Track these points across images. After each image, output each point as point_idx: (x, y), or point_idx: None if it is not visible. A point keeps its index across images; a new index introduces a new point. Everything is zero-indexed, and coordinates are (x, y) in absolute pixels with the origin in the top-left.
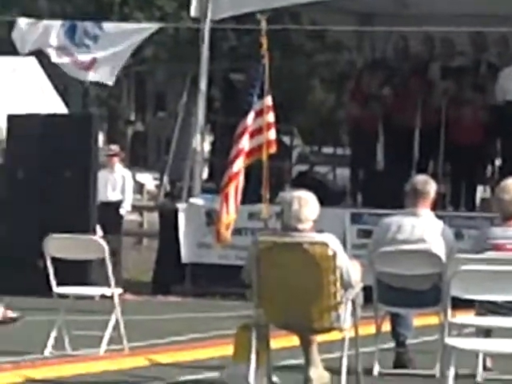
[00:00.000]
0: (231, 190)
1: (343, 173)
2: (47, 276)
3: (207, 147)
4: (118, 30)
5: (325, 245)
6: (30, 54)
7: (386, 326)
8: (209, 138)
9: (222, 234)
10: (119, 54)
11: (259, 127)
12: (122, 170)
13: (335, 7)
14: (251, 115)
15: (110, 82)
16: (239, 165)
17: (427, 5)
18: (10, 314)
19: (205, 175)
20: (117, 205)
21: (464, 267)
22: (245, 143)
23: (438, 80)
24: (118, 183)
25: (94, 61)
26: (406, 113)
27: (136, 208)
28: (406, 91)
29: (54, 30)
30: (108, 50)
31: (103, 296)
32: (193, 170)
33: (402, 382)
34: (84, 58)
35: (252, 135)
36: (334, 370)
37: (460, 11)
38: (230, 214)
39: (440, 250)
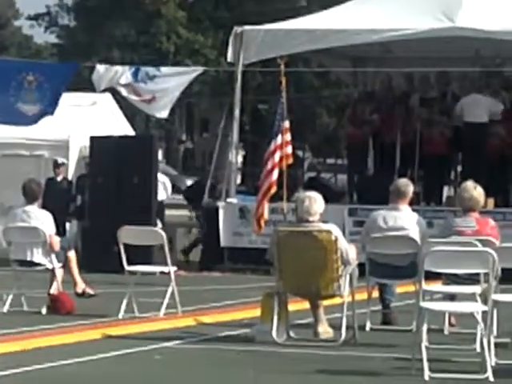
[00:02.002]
0: (270, 193)
1: (342, 178)
2: (120, 258)
3: (240, 159)
4: (172, 72)
5: (329, 232)
6: (106, 90)
7: (376, 293)
8: (241, 153)
9: (262, 226)
10: (173, 91)
11: (280, 144)
12: (163, 177)
13: (336, 53)
14: (279, 136)
15: (165, 115)
16: (276, 174)
17: (406, 50)
18: (89, 290)
19: (238, 181)
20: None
21: (434, 248)
22: (277, 157)
23: (415, 107)
24: (160, 187)
25: (153, 97)
26: (390, 132)
27: (186, 206)
28: (390, 116)
29: (123, 72)
30: (164, 88)
31: (162, 272)
32: (229, 177)
33: (388, 335)
34: (146, 94)
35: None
36: (336, 327)
37: (431, 55)
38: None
39: (416, 235)
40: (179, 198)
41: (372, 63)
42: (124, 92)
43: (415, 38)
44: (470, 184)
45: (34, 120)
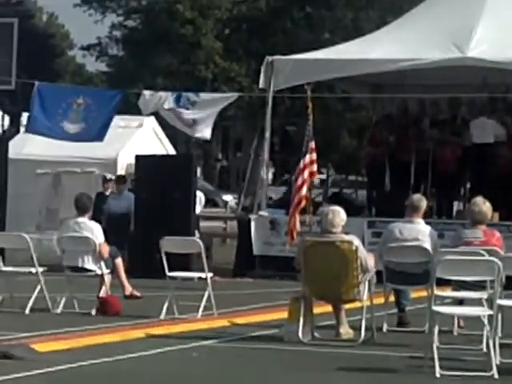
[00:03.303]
0: (300, 207)
1: (362, 193)
2: (162, 264)
3: (270, 176)
4: (210, 98)
5: (350, 242)
6: (151, 114)
7: (392, 298)
8: (271, 170)
9: (294, 237)
10: (212, 115)
11: (309, 162)
12: (198, 193)
13: (357, 80)
14: (307, 156)
15: (208, 137)
16: (305, 190)
17: (420, 78)
18: (136, 292)
19: (268, 195)
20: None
21: (445, 257)
22: (306, 174)
23: (428, 129)
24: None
25: (194, 121)
26: (405, 152)
27: (222, 218)
28: (405, 137)
29: (166, 98)
30: (204, 113)
31: (200, 278)
32: (260, 192)
33: (403, 336)
34: (188, 118)
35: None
36: (356, 328)
37: (442, 82)
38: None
39: (428, 245)
40: (216, 211)
41: (389, 89)
42: (168, 116)
43: (428, 67)
44: (479, 199)
45: (74, 138)
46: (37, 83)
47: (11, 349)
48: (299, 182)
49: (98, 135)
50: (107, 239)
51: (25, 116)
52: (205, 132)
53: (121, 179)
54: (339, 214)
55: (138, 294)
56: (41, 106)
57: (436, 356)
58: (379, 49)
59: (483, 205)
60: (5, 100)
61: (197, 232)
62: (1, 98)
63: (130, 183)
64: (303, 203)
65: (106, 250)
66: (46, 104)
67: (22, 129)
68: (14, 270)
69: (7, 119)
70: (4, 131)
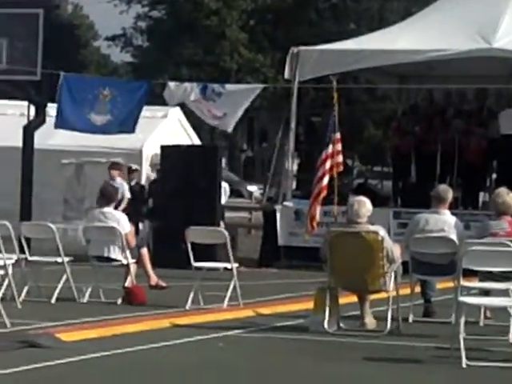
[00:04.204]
0: (321, 197)
1: (388, 184)
2: (188, 255)
3: (295, 167)
4: (236, 89)
5: (376, 233)
6: (176, 105)
7: (418, 289)
8: (296, 161)
9: (314, 227)
10: (240, 108)
11: (331, 153)
12: (223, 183)
13: (382, 71)
14: (330, 146)
15: (229, 130)
16: (326, 180)
17: (446, 68)
18: (161, 282)
19: (293, 186)
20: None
21: (471, 248)
22: (328, 165)
23: (453, 120)
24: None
25: (224, 114)
26: (431, 142)
27: (247, 208)
28: (431, 128)
29: (192, 89)
30: (230, 105)
31: (225, 268)
32: (286, 183)
33: (429, 326)
34: (213, 109)
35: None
36: (381, 318)
37: (468, 73)
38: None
39: (454, 236)
40: (241, 202)
41: (415, 80)
42: (194, 108)
43: (455, 58)
44: (503, 190)
45: (101, 129)
46: (62, 74)
47: (37, 338)
48: (320, 172)
49: (127, 126)
50: None
51: (50, 106)
52: (229, 124)
53: (114, 165)
54: (365, 205)
55: (164, 284)
56: (68, 98)
57: (462, 347)
58: (405, 39)
59: (507, 196)
60: (30, 90)
61: (222, 222)
62: (26, 88)
63: (155, 173)
64: (324, 193)
65: (132, 239)
66: (72, 96)
67: (48, 119)
68: (40, 260)
69: (33, 110)
70: (30, 122)
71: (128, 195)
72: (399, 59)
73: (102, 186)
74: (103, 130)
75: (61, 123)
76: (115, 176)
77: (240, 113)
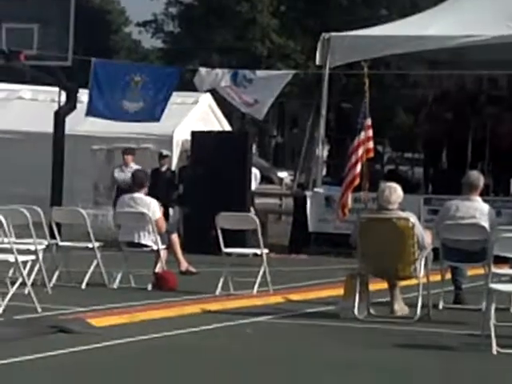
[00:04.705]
0: (354, 185)
1: (419, 170)
2: (218, 240)
3: (325, 153)
4: (267, 75)
5: (407, 219)
6: (206, 90)
7: (448, 275)
8: (327, 147)
9: (346, 214)
10: (271, 95)
11: (363, 140)
12: (254, 169)
13: (414, 57)
14: (362, 133)
15: (261, 118)
16: (359, 167)
17: (477, 54)
18: (191, 268)
19: (324, 172)
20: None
21: (502, 235)
22: (360, 152)
23: (485, 106)
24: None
25: (255, 100)
26: (462, 129)
27: (277, 195)
28: (462, 114)
29: (223, 75)
30: (261, 91)
31: (255, 254)
32: (316, 169)
33: (459, 313)
34: (244, 96)
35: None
36: (411, 305)
37: (500, 58)
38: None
39: (485, 223)
40: (271, 188)
41: (446, 66)
42: (225, 94)
43: (486, 43)
44: None
45: (134, 117)
46: (94, 60)
47: (68, 323)
48: (353, 159)
49: (156, 114)
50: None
51: (81, 92)
52: (261, 112)
53: (127, 150)
54: (396, 191)
55: (194, 269)
56: (99, 85)
57: (493, 333)
58: (436, 25)
59: None
60: (61, 76)
61: (252, 209)
62: (57, 74)
63: (186, 159)
64: (357, 181)
65: (163, 225)
66: (104, 82)
67: (79, 105)
68: (70, 245)
69: (64, 95)
70: (60, 107)
71: None
72: (431, 45)
73: (133, 172)
74: (135, 117)
75: (92, 111)
76: (129, 161)
77: (272, 100)
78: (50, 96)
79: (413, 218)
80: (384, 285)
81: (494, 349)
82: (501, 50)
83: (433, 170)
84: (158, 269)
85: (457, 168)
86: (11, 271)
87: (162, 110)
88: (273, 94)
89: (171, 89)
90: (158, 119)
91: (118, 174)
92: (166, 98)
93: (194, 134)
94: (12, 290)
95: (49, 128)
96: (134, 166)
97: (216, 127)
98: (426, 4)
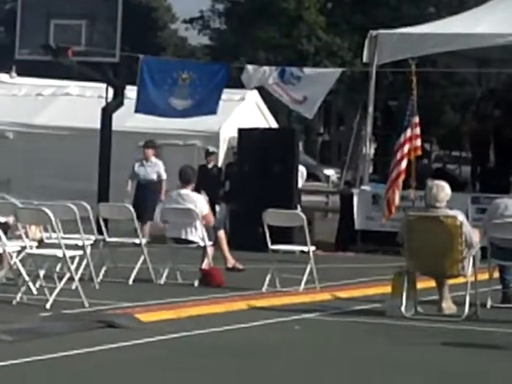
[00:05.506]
0: (400, 181)
1: (466, 169)
2: (264, 237)
3: (372, 151)
4: (314, 73)
5: (454, 217)
6: (253, 88)
7: (496, 274)
8: (373, 145)
9: (392, 212)
10: (321, 93)
11: (410, 137)
12: (300, 167)
13: (461, 55)
14: (409, 129)
15: (311, 116)
16: (404, 164)
17: None
18: (238, 265)
19: (370, 170)
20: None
21: None
22: (406, 149)
23: None
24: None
25: (304, 97)
26: (510, 127)
27: (324, 192)
28: (510, 112)
29: (270, 73)
30: (309, 89)
31: (302, 251)
32: (363, 167)
33: (507, 312)
34: (292, 93)
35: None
36: (459, 303)
37: None
38: (398, 198)
39: None
40: (317, 185)
41: (495, 64)
42: (273, 91)
43: None
44: None
45: (183, 114)
46: (141, 56)
47: (116, 318)
48: (398, 156)
49: (208, 108)
50: (137, 205)
51: (128, 89)
52: (310, 110)
53: (148, 144)
54: (444, 189)
55: (240, 266)
56: (148, 82)
57: None
58: (485, 23)
59: None
60: (109, 73)
61: (298, 206)
62: (105, 70)
63: (232, 156)
64: (402, 177)
65: (211, 218)
66: (152, 79)
67: (126, 101)
68: (117, 241)
69: (111, 92)
70: (108, 103)
71: (164, 176)
72: (479, 43)
73: (180, 168)
74: (184, 114)
75: (140, 108)
76: (150, 155)
77: (322, 98)
78: (98, 92)
79: (461, 217)
80: (432, 283)
81: None
82: None
83: (480, 169)
84: (204, 265)
85: (505, 166)
86: (59, 266)
87: (217, 104)
88: (323, 92)
89: (222, 84)
90: (214, 112)
91: (138, 169)
92: (217, 93)
93: (240, 130)
94: (60, 285)
95: (96, 124)
96: (154, 161)
97: (262, 124)
98: (474, 1)
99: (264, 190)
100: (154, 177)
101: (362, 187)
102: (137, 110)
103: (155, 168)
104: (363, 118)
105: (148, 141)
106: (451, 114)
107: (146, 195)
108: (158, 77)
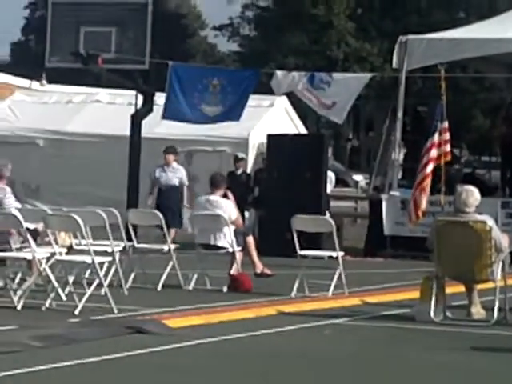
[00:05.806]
0: (427, 185)
1: (496, 174)
2: (293, 243)
3: (401, 157)
4: (344, 78)
5: (484, 222)
6: (282, 94)
7: None
8: (403, 151)
9: (419, 216)
10: (350, 98)
11: (439, 142)
12: (329, 172)
13: (491, 60)
14: (436, 134)
15: (341, 122)
16: (430, 168)
17: None
18: (266, 270)
19: (399, 176)
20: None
21: None
22: (433, 153)
23: None
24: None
25: (333, 103)
26: None
27: (352, 198)
28: None
29: (300, 78)
30: (339, 94)
31: (331, 257)
32: (392, 172)
33: None
34: (322, 98)
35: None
36: (488, 308)
37: None
38: (425, 203)
39: None
40: (346, 191)
41: None
42: (303, 96)
43: None
44: None
45: (214, 120)
46: (171, 63)
47: (144, 324)
48: (425, 160)
49: (234, 115)
50: (160, 211)
51: (158, 96)
52: (340, 115)
53: (169, 150)
54: (473, 194)
55: (269, 272)
56: (177, 88)
57: None
58: None
59: None
60: (138, 79)
61: (327, 212)
62: (134, 77)
63: (261, 162)
64: (427, 181)
65: (241, 223)
66: (181, 86)
67: (155, 108)
68: (147, 247)
69: (140, 99)
70: (137, 110)
71: (186, 182)
72: (510, 48)
73: (211, 175)
74: (214, 120)
75: (168, 114)
76: (170, 161)
77: (351, 103)
78: (127, 99)
79: (490, 221)
80: (462, 288)
81: None
82: None
83: (510, 173)
84: (233, 271)
85: None
86: (88, 272)
87: (242, 111)
88: (351, 97)
89: (250, 90)
90: (237, 119)
91: (159, 174)
92: (244, 100)
93: (269, 136)
94: (89, 291)
95: (125, 131)
96: (176, 166)
97: (292, 130)
98: (504, 6)
99: (293, 195)
100: (176, 182)
101: (391, 193)
102: (164, 117)
103: (177, 174)
104: (392, 124)
105: (169, 146)
106: (481, 119)
107: (168, 201)
108: (187, 83)
